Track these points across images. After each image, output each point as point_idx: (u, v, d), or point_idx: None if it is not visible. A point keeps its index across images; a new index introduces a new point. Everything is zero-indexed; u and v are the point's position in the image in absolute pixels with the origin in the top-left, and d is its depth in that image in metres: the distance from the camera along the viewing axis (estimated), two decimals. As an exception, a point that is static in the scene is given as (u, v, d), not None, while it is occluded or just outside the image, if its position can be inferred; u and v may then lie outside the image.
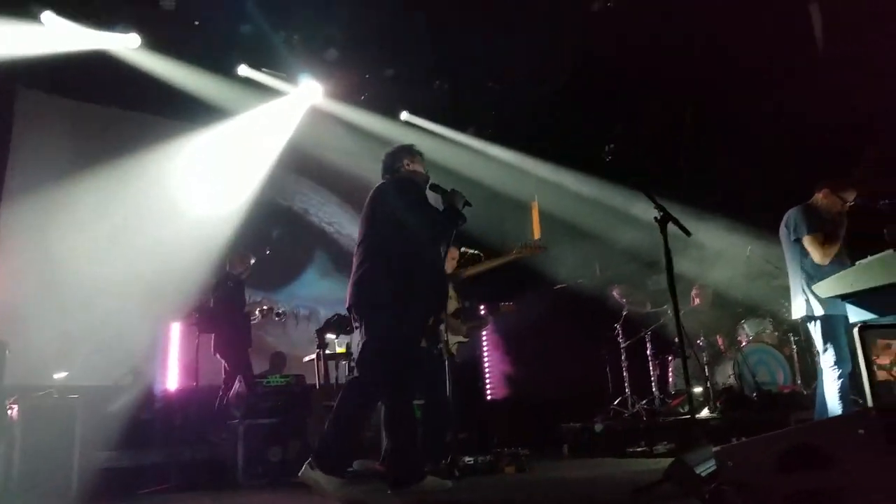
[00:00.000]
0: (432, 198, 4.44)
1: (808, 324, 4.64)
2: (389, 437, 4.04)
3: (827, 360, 4.44)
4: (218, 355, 6.72)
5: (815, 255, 4.54)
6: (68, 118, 7.89)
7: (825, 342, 4.45)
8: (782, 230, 4.84)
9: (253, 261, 7.20)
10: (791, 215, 4.78)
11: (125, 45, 7.35)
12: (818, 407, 4.65)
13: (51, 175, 7.29)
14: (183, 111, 8.13)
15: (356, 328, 4.20)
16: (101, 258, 7.11)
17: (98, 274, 6.97)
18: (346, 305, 4.20)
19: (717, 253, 7.45)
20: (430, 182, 4.51)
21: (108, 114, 8.14)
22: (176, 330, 7.46)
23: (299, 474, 3.83)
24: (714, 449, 2.63)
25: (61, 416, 4.71)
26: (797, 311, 4.70)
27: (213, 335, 6.74)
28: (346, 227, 9.92)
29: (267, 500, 4.28)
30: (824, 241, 4.53)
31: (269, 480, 5.51)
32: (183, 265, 7.34)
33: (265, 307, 7.10)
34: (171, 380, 7.28)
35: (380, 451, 5.95)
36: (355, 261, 4.22)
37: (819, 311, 4.45)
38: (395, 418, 3.99)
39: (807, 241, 4.58)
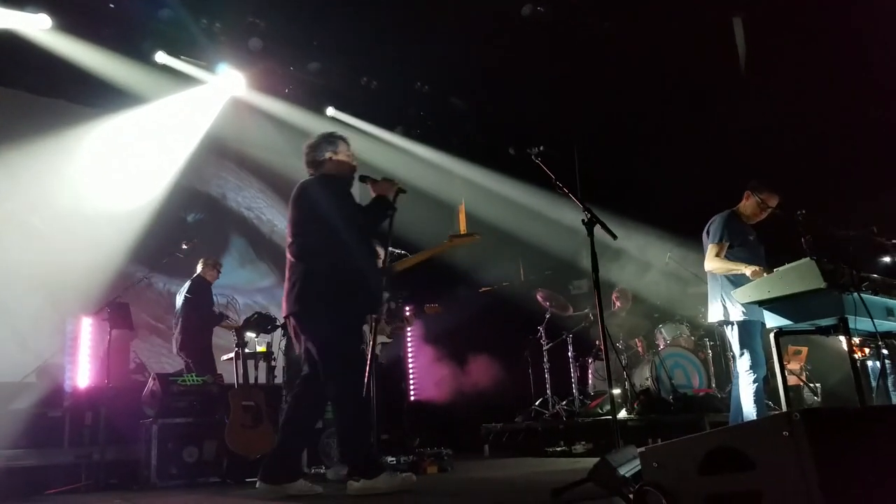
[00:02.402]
0: (363, 189, 4.31)
1: (725, 328, 4.78)
2: (351, 430, 3.89)
3: (743, 364, 4.56)
4: (182, 354, 6.97)
5: (707, 262, 4.73)
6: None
7: (742, 347, 4.57)
8: (704, 235, 4.97)
9: (221, 266, 7.61)
10: (712, 221, 4.92)
11: (34, 25, 6.97)
12: (733, 410, 4.80)
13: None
14: (95, 97, 7.82)
15: (298, 336, 4.05)
16: (4, 248, 6.70)
17: (1, 265, 6.57)
18: (284, 315, 4.08)
19: (637, 258, 7.66)
20: (360, 175, 4.35)
21: (13, 96, 7.68)
22: (87, 325, 7.12)
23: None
24: (639, 450, 2.66)
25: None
26: (714, 315, 4.81)
27: (180, 335, 7.04)
28: (266, 212, 9.69)
29: (181, 502, 4.11)
30: (723, 252, 4.69)
31: (184, 482, 5.34)
32: (92, 258, 7.06)
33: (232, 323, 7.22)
34: (82, 376, 6.94)
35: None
36: (287, 266, 4.10)
37: (736, 316, 4.58)
38: (356, 412, 3.87)
39: (711, 248, 4.75)
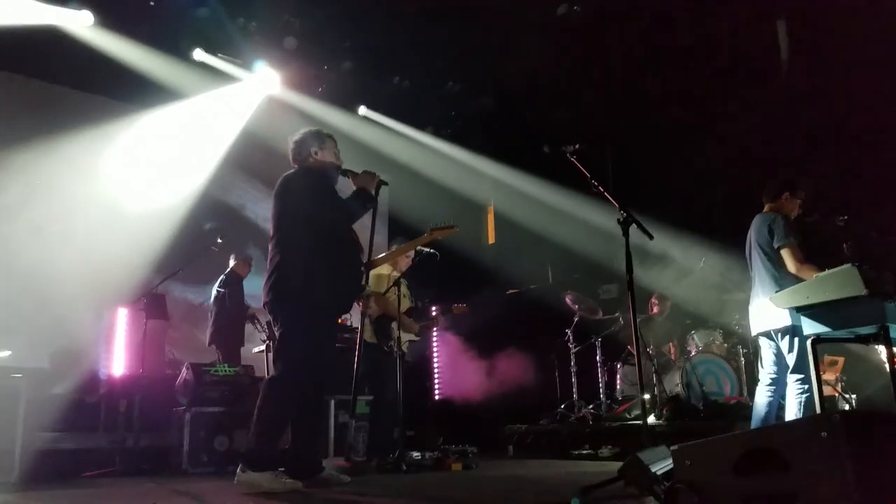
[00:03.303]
0: (346, 184, 4.29)
1: (783, 336, 4.48)
2: (293, 430, 3.94)
3: (798, 375, 4.35)
4: (213, 346, 7.14)
5: (793, 264, 4.40)
6: (14, 94, 7.55)
7: (802, 357, 4.31)
8: (756, 238, 4.69)
9: (252, 261, 7.82)
10: (770, 221, 4.63)
11: (77, 22, 7.16)
12: (765, 419, 4.65)
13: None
14: (135, 94, 7.93)
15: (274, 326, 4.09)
16: (42, 238, 6.84)
17: (38, 255, 6.70)
18: (262, 303, 4.09)
19: (673, 262, 7.56)
20: (342, 168, 4.34)
21: (56, 92, 7.84)
22: (122, 315, 7.27)
23: (235, 481, 3.78)
24: (672, 448, 2.66)
25: (4, 395, 4.56)
26: (778, 321, 4.46)
27: (212, 327, 7.24)
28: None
29: (211, 488, 4.18)
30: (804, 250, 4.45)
31: (215, 469, 5.42)
32: (129, 250, 7.15)
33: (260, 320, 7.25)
34: (117, 365, 7.10)
35: (342, 446, 5.98)
36: (268, 258, 4.12)
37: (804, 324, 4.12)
38: (275, 400, 3.88)
39: (789, 251, 4.45)
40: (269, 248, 4.12)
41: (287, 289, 3.94)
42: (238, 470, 3.79)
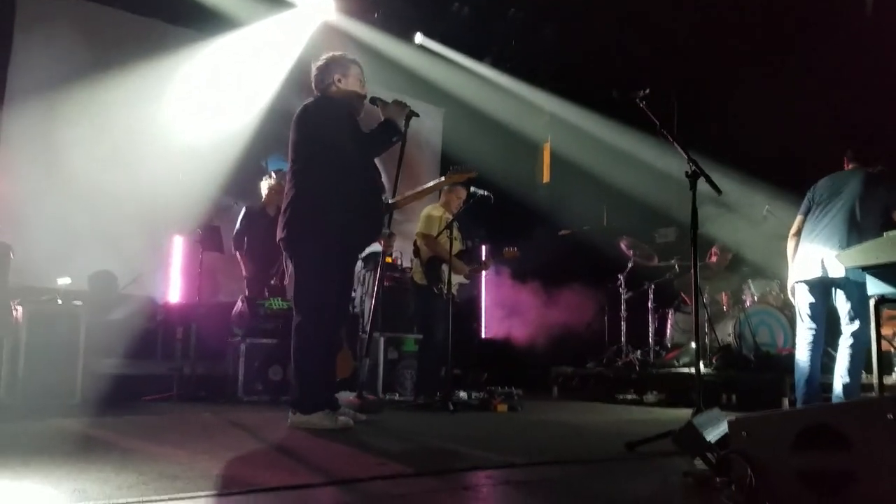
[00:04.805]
0: (373, 112, 4.13)
1: (850, 285, 4.48)
2: (297, 363, 3.90)
3: (865, 326, 4.31)
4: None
5: None
6: (73, 18, 7.47)
7: (863, 308, 4.28)
8: (862, 191, 4.60)
9: None
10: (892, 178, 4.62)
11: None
12: (813, 373, 4.64)
13: (55, 76, 6.96)
14: (191, 18, 7.86)
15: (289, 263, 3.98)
16: (104, 166, 6.92)
17: (100, 182, 6.79)
18: (278, 239, 3.97)
19: (741, 210, 7.24)
20: (370, 97, 4.17)
21: (113, 16, 7.75)
22: (179, 244, 7.39)
23: (288, 423, 3.81)
24: (729, 419, 2.62)
25: (66, 321, 4.72)
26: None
27: (241, 260, 6.66)
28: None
29: (265, 420, 4.29)
30: None
31: (269, 398, 5.60)
32: (187, 179, 7.20)
33: None
34: (173, 292, 7.30)
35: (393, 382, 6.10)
36: (285, 191, 4.01)
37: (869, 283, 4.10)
38: (307, 345, 3.85)
39: None
40: (286, 179, 4.02)
41: (302, 227, 3.85)
42: (290, 413, 3.85)
